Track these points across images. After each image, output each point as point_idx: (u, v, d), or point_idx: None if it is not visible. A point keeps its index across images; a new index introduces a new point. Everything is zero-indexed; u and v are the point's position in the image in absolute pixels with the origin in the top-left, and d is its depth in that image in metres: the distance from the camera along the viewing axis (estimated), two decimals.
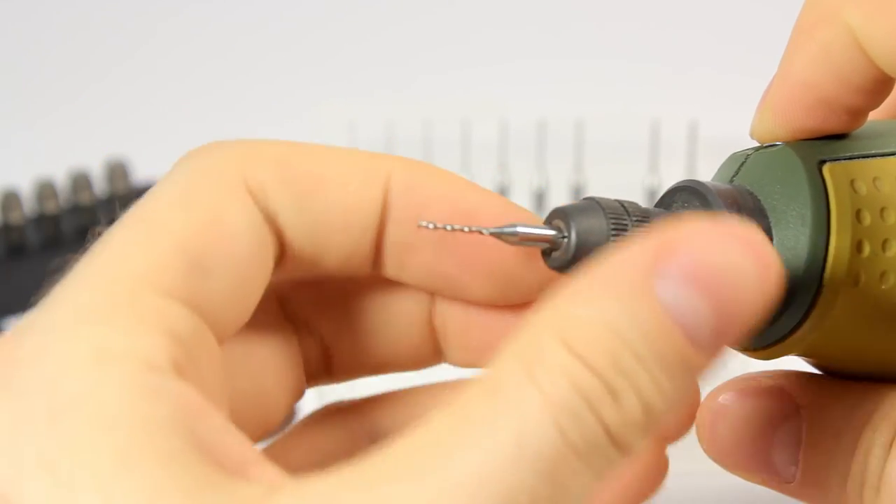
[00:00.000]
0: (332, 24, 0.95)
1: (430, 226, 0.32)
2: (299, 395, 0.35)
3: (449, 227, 0.32)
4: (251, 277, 0.30)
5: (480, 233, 0.31)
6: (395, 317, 0.35)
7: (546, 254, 0.31)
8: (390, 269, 0.33)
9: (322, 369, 0.35)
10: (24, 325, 0.27)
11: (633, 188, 0.70)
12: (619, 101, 0.86)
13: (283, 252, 0.32)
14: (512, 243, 0.31)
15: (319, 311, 0.35)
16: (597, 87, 0.88)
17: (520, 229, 0.31)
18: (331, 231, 0.32)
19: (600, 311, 0.26)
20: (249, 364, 0.33)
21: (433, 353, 0.35)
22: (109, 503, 0.24)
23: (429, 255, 0.33)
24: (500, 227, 0.31)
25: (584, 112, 0.71)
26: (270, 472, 0.26)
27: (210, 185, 0.30)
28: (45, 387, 0.26)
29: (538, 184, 0.70)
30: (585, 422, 0.25)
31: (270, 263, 0.31)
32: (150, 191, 0.30)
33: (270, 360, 0.34)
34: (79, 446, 0.25)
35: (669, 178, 0.70)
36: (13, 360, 0.27)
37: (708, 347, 0.26)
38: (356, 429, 0.36)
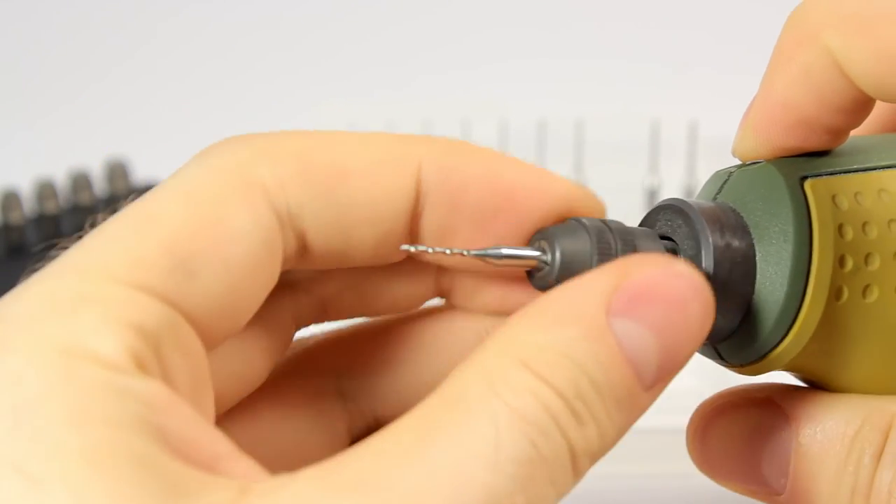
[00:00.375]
0: (332, 24, 0.95)
1: (412, 249, 0.31)
2: (287, 347, 0.34)
3: (430, 250, 0.31)
4: (247, 283, 0.29)
5: (462, 255, 0.31)
6: (401, 279, 0.34)
7: (531, 274, 0.31)
8: (429, 254, 0.32)
9: (314, 319, 0.35)
10: None
11: (633, 188, 0.70)
12: (619, 101, 0.86)
13: (304, 249, 0.31)
14: (497, 266, 0.31)
15: (321, 277, 0.34)
16: (597, 87, 0.88)
17: (504, 251, 0.31)
18: (358, 225, 0.31)
19: (559, 339, 0.27)
20: (241, 338, 0.32)
21: (432, 297, 0.35)
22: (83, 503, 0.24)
23: (469, 237, 0.32)
24: (483, 250, 0.31)
25: (584, 112, 0.71)
26: (243, 466, 0.26)
27: (218, 184, 0.29)
28: (7, 383, 0.25)
29: None
30: (554, 438, 0.26)
31: (276, 267, 0.30)
32: (159, 183, 0.30)
33: (263, 328, 0.33)
34: (46, 446, 0.24)
35: (669, 178, 0.70)
36: None
37: (650, 385, 0.28)
38: (322, 379, 0.35)
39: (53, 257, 0.28)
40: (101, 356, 0.26)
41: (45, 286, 0.27)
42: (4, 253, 0.72)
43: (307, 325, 0.35)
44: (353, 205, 0.31)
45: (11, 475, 0.24)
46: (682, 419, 0.35)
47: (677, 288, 0.28)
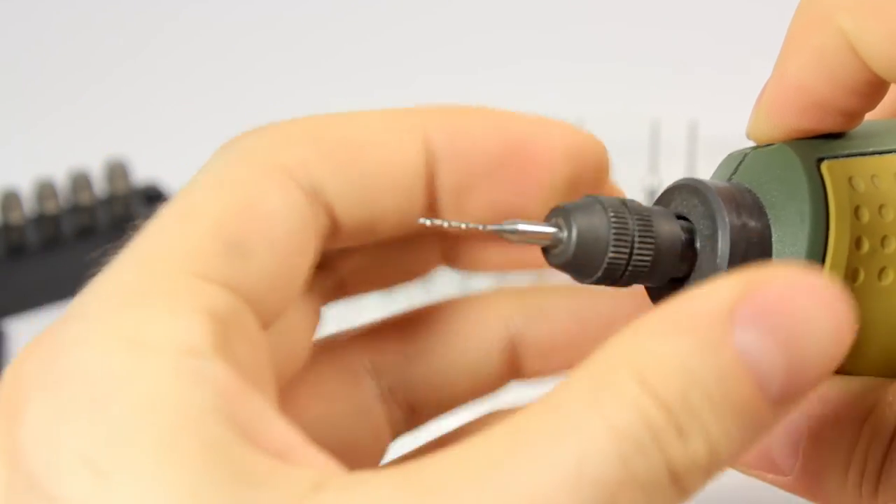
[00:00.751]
0: (332, 24, 0.95)
1: (428, 222, 0.32)
2: (317, 326, 0.34)
3: (446, 224, 0.32)
4: (292, 258, 0.30)
5: (478, 230, 0.31)
6: (411, 250, 0.35)
7: (546, 251, 0.31)
8: (449, 214, 0.33)
9: (335, 296, 0.35)
10: (66, 314, 0.27)
11: (633, 188, 0.70)
12: (619, 101, 0.86)
13: (335, 225, 0.32)
14: (512, 241, 0.31)
15: (343, 255, 0.34)
16: (597, 87, 0.88)
17: (520, 227, 0.31)
18: (380, 193, 0.32)
19: (676, 348, 0.26)
20: (286, 317, 0.32)
21: (439, 265, 0.36)
22: (147, 499, 0.24)
23: (486, 190, 0.33)
24: (500, 225, 0.31)
25: (584, 112, 0.71)
26: (314, 458, 0.26)
27: (244, 170, 0.30)
28: (84, 376, 0.25)
29: None
30: (650, 454, 0.25)
31: (314, 243, 0.31)
32: (187, 182, 0.30)
33: (302, 306, 0.33)
34: (118, 438, 0.25)
35: (669, 178, 0.70)
36: (54, 350, 0.26)
37: (776, 400, 0.26)
38: (355, 363, 0.35)
39: (128, 239, 0.29)
40: (178, 339, 0.26)
41: (114, 280, 0.27)
42: (4, 253, 0.72)
43: (329, 302, 0.35)
44: (371, 175, 0.31)
45: (83, 471, 0.24)
46: None
47: (810, 302, 0.26)
